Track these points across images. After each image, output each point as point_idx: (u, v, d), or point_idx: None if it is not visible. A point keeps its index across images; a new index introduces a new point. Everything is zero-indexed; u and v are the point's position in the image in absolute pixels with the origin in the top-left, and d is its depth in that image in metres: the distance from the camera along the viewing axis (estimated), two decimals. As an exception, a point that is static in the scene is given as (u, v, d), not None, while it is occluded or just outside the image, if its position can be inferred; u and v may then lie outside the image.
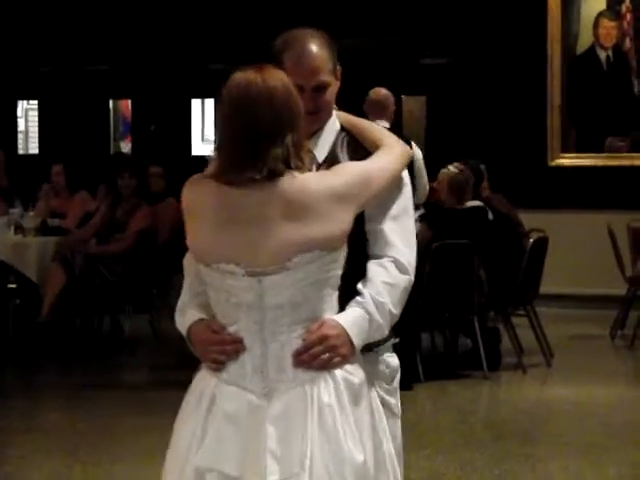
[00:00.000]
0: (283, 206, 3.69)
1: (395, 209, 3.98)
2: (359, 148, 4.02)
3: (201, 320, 3.84)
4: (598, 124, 14.36)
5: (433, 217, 10.12)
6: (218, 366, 3.75)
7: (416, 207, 7.46)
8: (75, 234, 11.99)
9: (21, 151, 16.64)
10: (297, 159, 3.70)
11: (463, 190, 10.48)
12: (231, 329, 3.75)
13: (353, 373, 3.77)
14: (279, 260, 3.69)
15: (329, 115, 4.11)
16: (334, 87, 4.07)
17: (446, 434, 8.63)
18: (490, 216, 10.56)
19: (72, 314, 11.95)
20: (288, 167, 3.66)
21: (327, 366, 3.73)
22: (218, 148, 3.80)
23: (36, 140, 16.96)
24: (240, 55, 14.84)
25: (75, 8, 15.90)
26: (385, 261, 3.87)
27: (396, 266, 3.87)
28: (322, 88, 4.02)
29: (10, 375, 11.09)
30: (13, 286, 11.66)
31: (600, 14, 14.31)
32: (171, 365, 11.11)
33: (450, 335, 10.68)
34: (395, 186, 3.97)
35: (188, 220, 3.81)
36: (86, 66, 16.38)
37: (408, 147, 4.08)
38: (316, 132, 4.07)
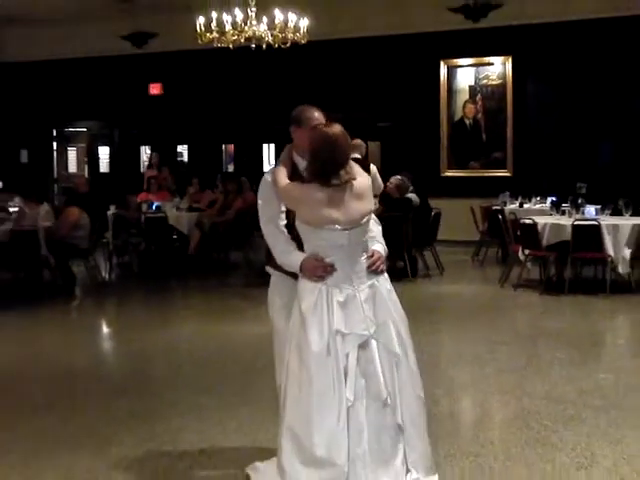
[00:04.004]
0: (355, 195, 3.65)
1: None
2: None
3: (307, 256, 3.69)
4: (465, 154, 14.22)
5: (385, 201, 9.96)
6: (322, 279, 3.62)
7: (374, 196, 7.49)
8: (208, 212, 11.99)
9: (179, 169, 16.38)
10: (351, 172, 3.67)
11: (401, 189, 10.50)
12: (328, 259, 3.64)
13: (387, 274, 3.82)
14: (358, 221, 3.66)
15: None
16: None
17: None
18: (416, 201, 10.60)
19: (205, 251, 11.90)
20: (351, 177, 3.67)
21: (382, 271, 3.73)
22: (311, 168, 3.69)
23: (186, 165, 16.81)
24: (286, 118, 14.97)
25: (201, 99, 15.78)
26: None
27: (375, 221, 3.88)
28: None
29: (172, 282, 11.02)
30: (175, 237, 11.70)
31: (466, 101, 14.10)
32: (254, 276, 11.11)
33: (391, 260, 10.40)
34: None
35: (300, 205, 3.68)
36: (211, 125, 16.17)
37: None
38: None
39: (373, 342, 3.61)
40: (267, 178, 3.90)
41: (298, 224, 3.73)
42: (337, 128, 3.67)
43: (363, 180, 3.74)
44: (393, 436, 3.61)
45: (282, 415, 3.68)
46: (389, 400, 3.60)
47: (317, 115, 3.90)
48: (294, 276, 3.79)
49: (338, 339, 3.56)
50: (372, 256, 3.73)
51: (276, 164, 3.92)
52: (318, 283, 3.63)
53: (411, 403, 3.67)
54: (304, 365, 3.59)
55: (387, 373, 3.62)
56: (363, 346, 3.59)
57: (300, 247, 3.78)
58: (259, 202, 3.91)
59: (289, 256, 3.76)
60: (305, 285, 3.68)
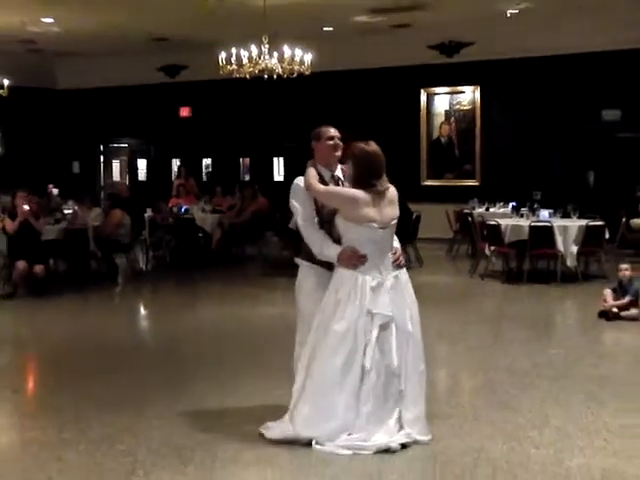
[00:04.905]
0: (389, 202, 3.73)
1: None
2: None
3: (344, 248, 3.70)
4: (441, 167, 14.14)
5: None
6: (356, 267, 3.65)
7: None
8: (228, 214, 11.81)
9: (204, 179, 16.27)
10: (386, 182, 3.77)
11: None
12: (362, 251, 3.68)
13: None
14: (389, 222, 3.72)
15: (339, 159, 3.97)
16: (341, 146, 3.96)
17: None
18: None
19: (225, 247, 11.72)
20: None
21: (403, 265, 3.81)
22: (356, 176, 3.71)
23: (210, 175, 16.66)
24: (300, 137, 14.44)
25: (222, 120, 15.71)
26: None
27: None
28: (339, 144, 3.94)
29: (198, 272, 10.90)
30: (200, 235, 11.61)
31: (442, 122, 14.04)
32: (268, 267, 11.15)
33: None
34: None
35: (346, 204, 3.69)
36: (231, 142, 16.03)
37: None
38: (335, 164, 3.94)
39: (392, 322, 3.68)
40: (299, 184, 3.85)
41: (340, 220, 3.75)
42: (374, 146, 3.81)
43: (394, 190, 3.82)
44: (394, 401, 3.68)
45: (304, 375, 3.71)
46: (397, 371, 3.66)
47: (332, 130, 3.93)
48: (323, 265, 3.80)
49: (367, 317, 3.63)
50: (395, 253, 3.78)
51: (305, 173, 3.87)
52: (354, 271, 3.67)
53: (413, 374, 3.75)
54: (334, 338, 3.64)
55: (399, 348, 3.68)
56: (383, 324, 3.66)
57: (334, 241, 3.79)
58: (296, 205, 3.84)
59: (328, 249, 3.76)
60: (343, 273, 3.71)
